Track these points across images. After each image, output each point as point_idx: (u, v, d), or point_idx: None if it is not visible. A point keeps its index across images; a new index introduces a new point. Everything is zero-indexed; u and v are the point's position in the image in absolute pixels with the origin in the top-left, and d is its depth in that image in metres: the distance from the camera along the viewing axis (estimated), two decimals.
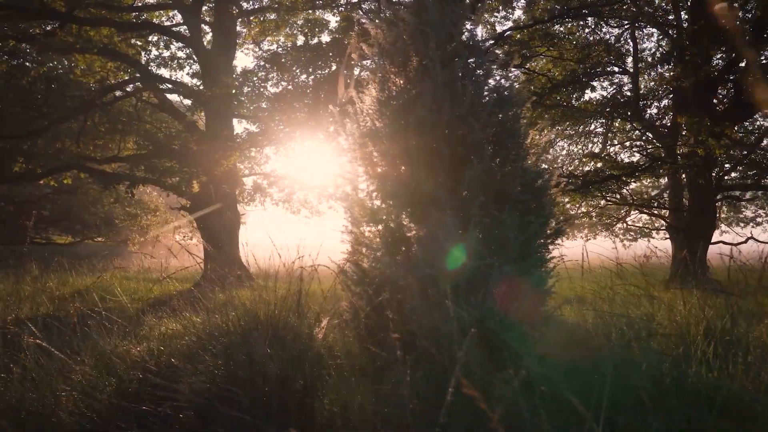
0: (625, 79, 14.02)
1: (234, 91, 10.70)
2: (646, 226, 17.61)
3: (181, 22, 13.05)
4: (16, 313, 3.65)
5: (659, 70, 13.71)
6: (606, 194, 12.21)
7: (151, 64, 13.78)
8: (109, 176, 10.98)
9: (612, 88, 14.41)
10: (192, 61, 14.41)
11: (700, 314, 2.90)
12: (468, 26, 3.71)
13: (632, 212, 15.70)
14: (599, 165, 11.71)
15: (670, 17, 12.92)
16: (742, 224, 21.87)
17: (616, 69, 13.66)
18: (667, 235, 12.78)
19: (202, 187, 11.27)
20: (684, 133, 11.73)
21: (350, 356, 2.95)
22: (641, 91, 13.38)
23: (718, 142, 8.83)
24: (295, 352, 2.41)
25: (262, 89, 12.45)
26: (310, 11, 13.13)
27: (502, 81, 3.61)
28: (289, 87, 12.07)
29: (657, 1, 13.14)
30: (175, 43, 13.78)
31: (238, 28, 13.45)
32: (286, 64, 12.18)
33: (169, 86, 12.30)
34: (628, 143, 15.95)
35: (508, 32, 12.01)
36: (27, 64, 12.21)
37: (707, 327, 2.86)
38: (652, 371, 2.13)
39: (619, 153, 16.06)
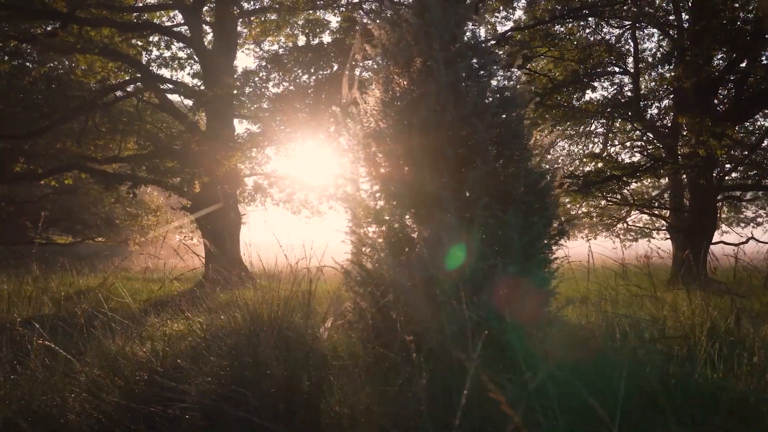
0: (626, 79, 14.03)
1: (235, 91, 10.70)
2: (647, 226, 17.61)
3: (182, 22, 13.06)
4: (20, 314, 3.65)
5: (660, 70, 13.72)
6: (607, 194, 12.22)
7: (152, 64, 13.78)
8: (111, 176, 10.99)
9: (613, 89, 14.42)
10: (193, 62, 14.42)
11: (705, 315, 2.90)
12: (471, 27, 3.73)
13: (633, 212, 15.70)
14: (600, 165, 11.72)
15: (671, 17, 12.92)
16: (742, 224, 21.88)
17: (616, 69, 13.66)
18: (668, 236, 12.79)
19: (203, 187, 11.28)
20: (685, 134, 11.74)
21: (354, 357, 2.95)
22: (642, 92, 13.39)
23: (720, 143, 8.84)
24: (300, 354, 2.42)
25: (263, 89, 12.46)
26: (311, 11, 13.14)
27: (506, 82, 3.62)
28: (291, 87, 12.08)
29: (658, 2, 13.15)
30: (176, 43, 13.78)
31: (239, 29, 13.45)
32: (288, 64, 12.19)
33: (170, 86, 12.30)
34: (628, 143, 15.96)
35: (509, 32, 12.01)
36: (28, 64, 12.23)
37: (711, 327, 2.87)
38: (657, 372, 2.13)
39: (619, 153, 16.07)
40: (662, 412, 1.79)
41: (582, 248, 5.16)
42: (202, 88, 12.43)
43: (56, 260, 9.03)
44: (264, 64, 12.96)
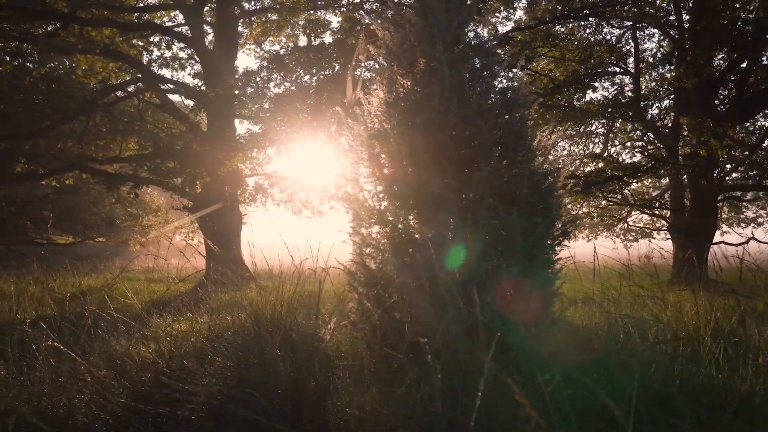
0: (627, 79, 14.05)
1: (237, 91, 10.70)
2: (647, 226, 17.63)
3: (183, 22, 13.06)
4: (25, 315, 3.66)
5: (660, 70, 13.74)
6: (607, 195, 12.23)
7: (153, 64, 13.78)
8: (113, 177, 10.99)
9: (613, 89, 14.44)
10: (194, 62, 14.42)
11: (708, 316, 2.91)
12: (473, 28, 3.73)
13: (633, 212, 15.72)
14: (601, 165, 11.73)
15: (672, 17, 12.93)
16: (743, 225, 21.91)
17: (617, 69, 13.68)
18: (668, 236, 12.80)
19: (203, 188, 11.28)
20: (685, 134, 11.75)
21: (357, 357, 2.95)
22: (642, 92, 13.40)
23: (721, 143, 8.85)
24: (305, 354, 2.42)
25: (265, 90, 12.46)
26: (312, 12, 13.14)
27: (510, 83, 3.62)
28: (292, 88, 12.08)
29: (658, 2, 13.16)
30: (176, 43, 13.78)
31: (239, 29, 13.45)
32: (289, 64, 12.19)
33: (171, 87, 12.31)
34: (629, 144, 15.98)
35: (511, 33, 12.02)
36: (28, 64, 12.22)
37: (715, 328, 2.88)
38: (663, 372, 2.14)
39: (620, 153, 16.09)
40: (669, 412, 1.79)
41: (582, 248, 5.17)
42: (203, 88, 12.43)
43: (57, 260, 9.03)
44: (265, 64, 12.96)
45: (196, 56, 13.43)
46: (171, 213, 17.36)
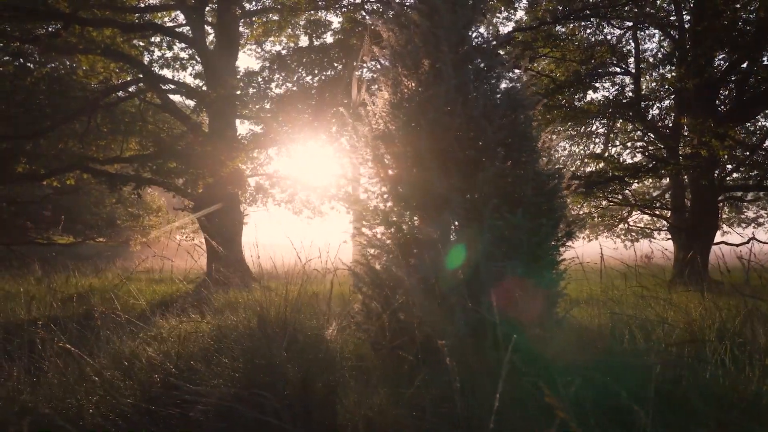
0: (627, 79, 14.06)
1: (238, 92, 10.71)
2: (648, 226, 17.64)
3: (184, 22, 13.06)
4: (29, 315, 3.66)
5: (661, 70, 13.76)
6: (608, 195, 12.24)
7: (154, 64, 13.77)
8: (115, 177, 10.99)
9: (614, 89, 14.45)
10: (195, 62, 14.41)
11: (713, 316, 2.91)
12: (476, 29, 3.73)
13: (634, 213, 15.73)
14: (602, 166, 11.74)
15: (672, 18, 12.94)
16: (743, 225, 21.92)
17: (618, 70, 13.69)
18: (669, 236, 12.82)
19: (204, 188, 11.29)
20: (686, 134, 11.76)
21: (362, 358, 2.96)
22: (643, 92, 13.42)
23: (722, 143, 8.86)
24: (312, 355, 2.43)
25: (267, 90, 12.46)
26: (313, 12, 13.14)
27: (514, 84, 3.63)
28: (294, 88, 12.08)
29: (659, 2, 13.17)
30: (177, 43, 13.77)
31: (240, 29, 13.46)
32: (291, 65, 12.19)
33: (172, 87, 12.31)
34: (629, 144, 15.99)
35: (512, 33, 12.03)
36: (29, 65, 12.21)
37: (719, 328, 2.88)
38: (670, 373, 2.15)
39: (620, 154, 16.10)
40: (678, 413, 1.80)
41: (582, 249, 5.19)
42: (205, 88, 12.44)
43: (58, 261, 9.04)
44: (267, 64, 12.96)
45: (197, 56, 13.44)
46: (171, 213, 17.36)
